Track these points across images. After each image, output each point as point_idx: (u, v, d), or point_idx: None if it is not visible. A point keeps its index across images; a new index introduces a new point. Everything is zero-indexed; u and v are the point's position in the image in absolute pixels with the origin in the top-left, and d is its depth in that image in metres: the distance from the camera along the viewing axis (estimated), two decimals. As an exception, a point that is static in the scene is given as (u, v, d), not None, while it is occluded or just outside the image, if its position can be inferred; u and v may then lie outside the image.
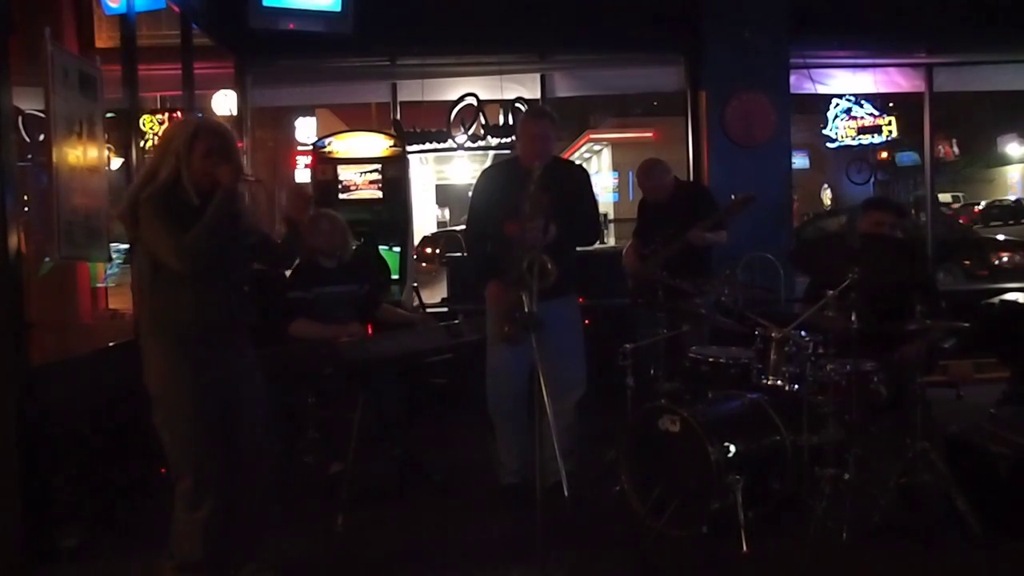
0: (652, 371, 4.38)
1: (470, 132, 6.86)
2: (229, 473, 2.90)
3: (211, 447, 2.84)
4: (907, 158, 16.31)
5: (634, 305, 5.00)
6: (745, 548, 3.21)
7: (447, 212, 28.94)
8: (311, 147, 7.06)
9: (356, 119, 11.45)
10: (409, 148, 6.75)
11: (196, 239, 2.72)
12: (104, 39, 5.27)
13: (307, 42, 5.95)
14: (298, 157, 13.92)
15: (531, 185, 3.44)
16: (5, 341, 3.26)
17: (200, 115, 3.08)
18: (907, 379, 3.66)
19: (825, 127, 8.15)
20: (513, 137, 6.85)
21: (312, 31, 5.50)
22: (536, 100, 7.08)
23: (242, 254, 3.01)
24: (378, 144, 6.52)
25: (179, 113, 6.06)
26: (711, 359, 4.02)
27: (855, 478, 3.44)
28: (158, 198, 2.76)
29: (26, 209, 4.55)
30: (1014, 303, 5.51)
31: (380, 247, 6.14)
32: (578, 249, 4.04)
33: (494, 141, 6.92)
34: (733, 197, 4.68)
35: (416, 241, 11.75)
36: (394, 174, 6.41)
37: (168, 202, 2.76)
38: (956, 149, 20.60)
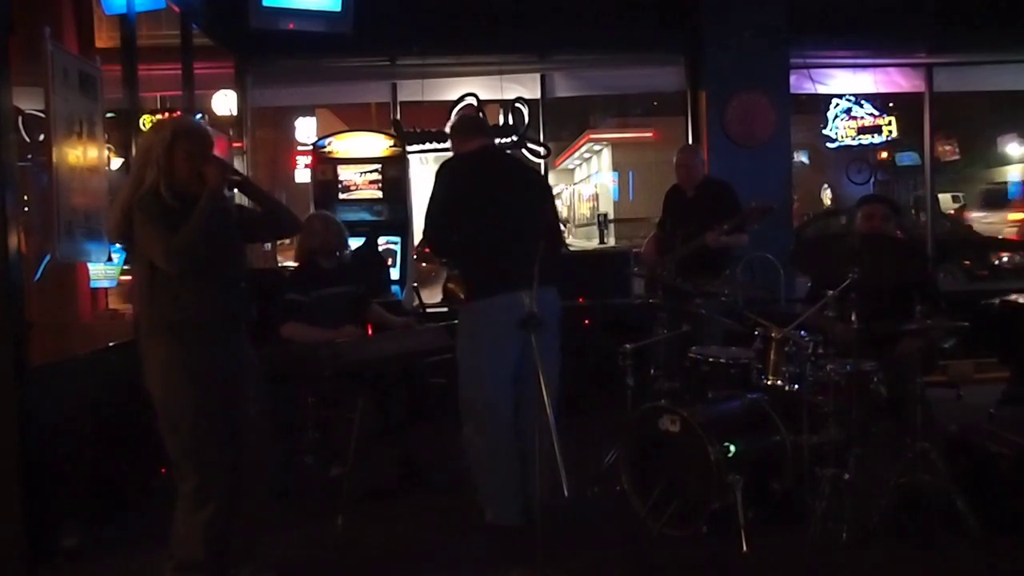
0: (652, 371, 4.38)
1: (470, 132, 6.86)
2: (230, 473, 2.90)
3: (214, 448, 2.84)
4: (907, 158, 16.30)
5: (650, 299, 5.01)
6: (745, 548, 3.21)
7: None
8: (311, 147, 7.05)
9: (356, 119, 11.45)
10: (409, 148, 6.75)
11: (184, 239, 2.72)
12: (104, 39, 5.27)
13: (307, 42, 5.94)
14: (298, 157, 13.90)
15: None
16: (5, 341, 3.26)
17: (178, 116, 3.06)
18: (907, 379, 3.66)
19: (825, 127, 8.14)
20: (513, 137, 6.88)
21: (312, 31, 5.50)
22: (536, 100, 7.09)
23: (238, 251, 3.01)
24: (378, 144, 6.52)
25: (178, 113, 6.07)
26: (711, 359, 4.01)
27: (855, 478, 3.44)
28: (149, 200, 2.77)
29: (26, 209, 4.54)
30: (1014, 303, 5.51)
31: (381, 239, 6.16)
32: (578, 249, 4.04)
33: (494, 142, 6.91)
34: (753, 204, 4.66)
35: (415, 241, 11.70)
36: (394, 174, 6.41)
37: (158, 205, 2.77)
38: (952, 149, 20.59)
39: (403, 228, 6.39)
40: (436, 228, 3.69)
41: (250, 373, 3.01)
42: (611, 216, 23.16)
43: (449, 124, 3.79)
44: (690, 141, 6.91)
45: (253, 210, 3.19)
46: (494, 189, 3.67)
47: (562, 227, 3.82)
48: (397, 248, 6.31)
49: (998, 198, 20.86)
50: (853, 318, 3.53)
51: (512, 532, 3.51)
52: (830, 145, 8.27)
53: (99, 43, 5.21)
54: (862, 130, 8.06)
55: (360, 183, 6.44)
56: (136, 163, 2.92)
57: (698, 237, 4.66)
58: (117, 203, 2.90)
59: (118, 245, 4.48)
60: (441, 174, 3.68)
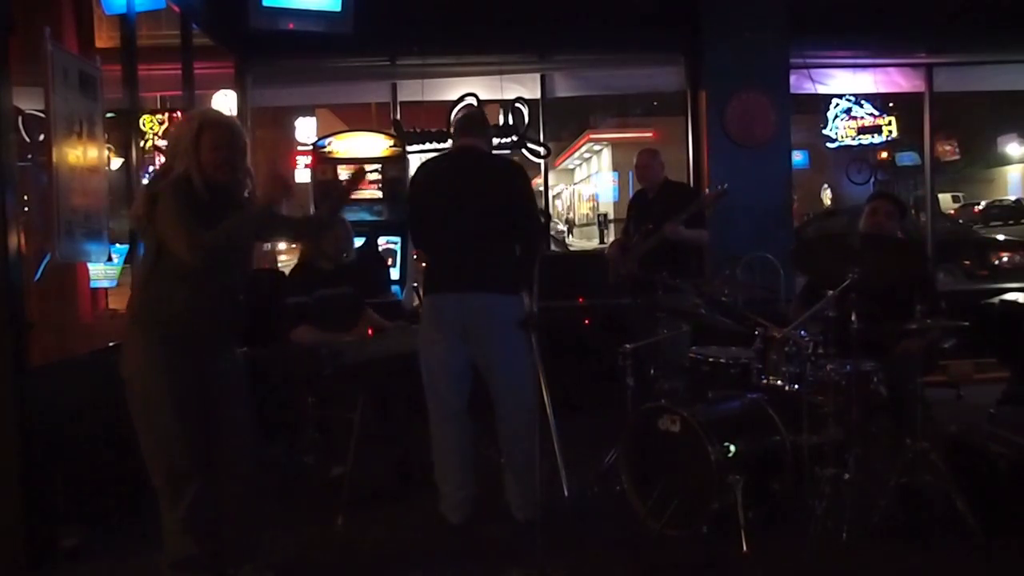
0: (652, 371, 4.38)
1: (470, 132, 6.86)
2: (210, 473, 2.88)
3: (183, 445, 2.81)
4: (907, 158, 16.31)
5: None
6: (745, 548, 3.21)
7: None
8: (311, 147, 7.06)
9: (356, 119, 11.44)
10: (409, 148, 6.75)
11: (215, 239, 2.71)
12: (104, 39, 5.26)
13: (307, 42, 5.95)
14: (298, 157, 13.91)
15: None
16: (5, 341, 3.26)
17: (206, 108, 3.07)
18: (907, 379, 3.66)
19: (825, 127, 8.14)
20: (513, 137, 6.88)
21: (312, 31, 5.50)
22: (536, 100, 7.09)
23: (243, 259, 3.00)
24: (378, 144, 6.53)
25: (179, 113, 6.07)
26: (711, 359, 4.01)
27: (855, 478, 3.44)
28: (180, 185, 2.76)
29: (26, 209, 4.54)
30: (1014, 303, 5.51)
31: (381, 239, 6.17)
32: (577, 249, 4.04)
33: (494, 141, 6.91)
34: (707, 191, 4.70)
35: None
36: (394, 174, 6.42)
37: (188, 192, 2.75)
38: (952, 149, 20.61)
39: (403, 228, 6.38)
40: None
41: (231, 375, 2.99)
42: (611, 216, 23.18)
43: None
44: (690, 141, 6.92)
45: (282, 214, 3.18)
46: (445, 191, 3.72)
47: (538, 229, 3.78)
48: (397, 248, 6.32)
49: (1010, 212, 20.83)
50: (853, 318, 3.53)
51: (455, 528, 3.63)
52: (830, 145, 8.27)
53: (99, 43, 5.20)
54: (862, 130, 8.07)
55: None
56: (166, 155, 2.93)
57: (657, 231, 4.71)
58: (144, 189, 2.90)
59: (121, 244, 4.50)
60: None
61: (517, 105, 6.90)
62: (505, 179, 3.71)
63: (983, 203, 25.05)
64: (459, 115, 4.01)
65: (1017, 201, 24.46)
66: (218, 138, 2.81)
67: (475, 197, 3.63)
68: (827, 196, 22.14)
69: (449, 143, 6.92)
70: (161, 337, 2.80)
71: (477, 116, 4.14)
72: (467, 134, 3.83)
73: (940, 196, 17.05)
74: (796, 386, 3.68)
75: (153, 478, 2.86)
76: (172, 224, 2.73)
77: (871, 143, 8.31)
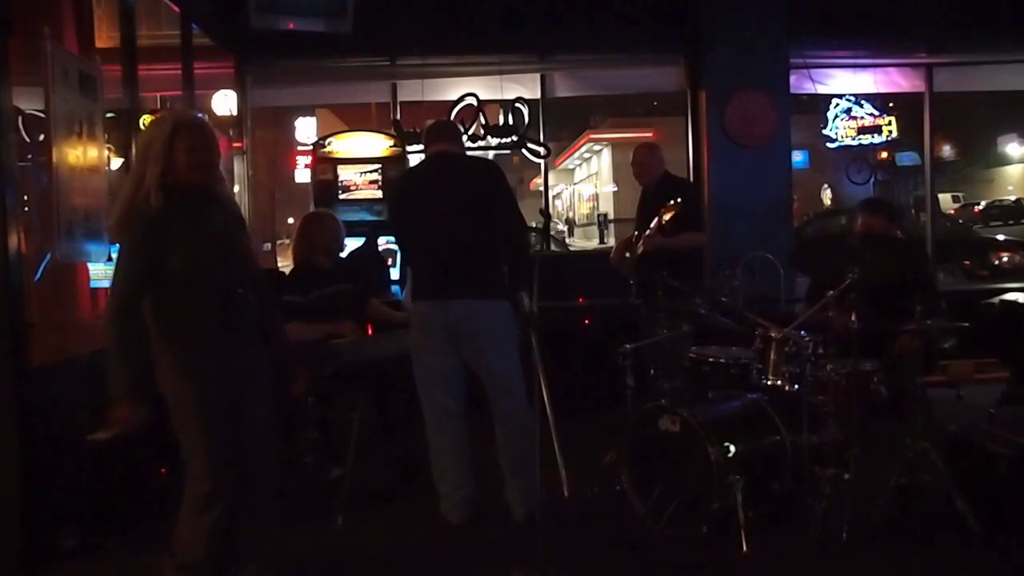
0: (652, 371, 4.38)
1: (470, 132, 6.86)
2: (234, 475, 2.89)
3: (224, 451, 2.83)
4: (907, 158, 16.31)
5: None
6: (745, 548, 3.21)
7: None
8: (311, 147, 7.06)
9: (356, 119, 11.44)
10: (409, 148, 6.75)
11: (110, 324, 2.70)
12: (104, 39, 5.26)
13: (307, 42, 5.95)
14: (298, 157, 13.91)
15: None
16: (5, 341, 3.26)
17: (178, 109, 3.01)
18: (907, 379, 3.66)
19: (825, 127, 8.14)
20: (513, 137, 6.89)
21: (312, 31, 5.50)
22: (536, 100, 7.09)
23: (239, 261, 2.96)
24: (378, 144, 6.53)
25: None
26: (711, 359, 4.01)
27: (855, 478, 3.44)
28: (131, 220, 2.74)
29: (26, 209, 4.54)
30: (1014, 303, 5.51)
31: (381, 239, 6.17)
32: (577, 249, 4.06)
33: (494, 141, 6.92)
34: (673, 202, 4.62)
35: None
36: (394, 174, 6.40)
37: (139, 222, 2.73)
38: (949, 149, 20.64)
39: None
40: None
41: (256, 376, 2.98)
42: (611, 216, 23.17)
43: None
44: (690, 141, 6.92)
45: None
46: (424, 198, 3.73)
47: (522, 225, 3.75)
48: (397, 248, 6.32)
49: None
50: (853, 318, 3.53)
51: (455, 528, 3.68)
52: (830, 145, 8.27)
53: (99, 43, 5.20)
54: (862, 130, 8.06)
55: (360, 183, 6.45)
56: (137, 159, 2.87)
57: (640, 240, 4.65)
58: (119, 201, 2.85)
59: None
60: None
61: (517, 105, 6.90)
62: (482, 179, 3.71)
63: (983, 203, 25.05)
64: (428, 123, 4.02)
65: (1017, 201, 24.46)
66: (193, 140, 2.77)
67: (454, 201, 3.65)
68: (827, 196, 22.13)
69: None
70: (181, 348, 2.79)
71: (446, 122, 4.25)
72: (439, 140, 3.84)
73: (940, 196, 17.02)
74: (796, 386, 3.68)
75: (192, 485, 2.83)
76: (117, 265, 2.75)
77: (871, 143, 8.30)
